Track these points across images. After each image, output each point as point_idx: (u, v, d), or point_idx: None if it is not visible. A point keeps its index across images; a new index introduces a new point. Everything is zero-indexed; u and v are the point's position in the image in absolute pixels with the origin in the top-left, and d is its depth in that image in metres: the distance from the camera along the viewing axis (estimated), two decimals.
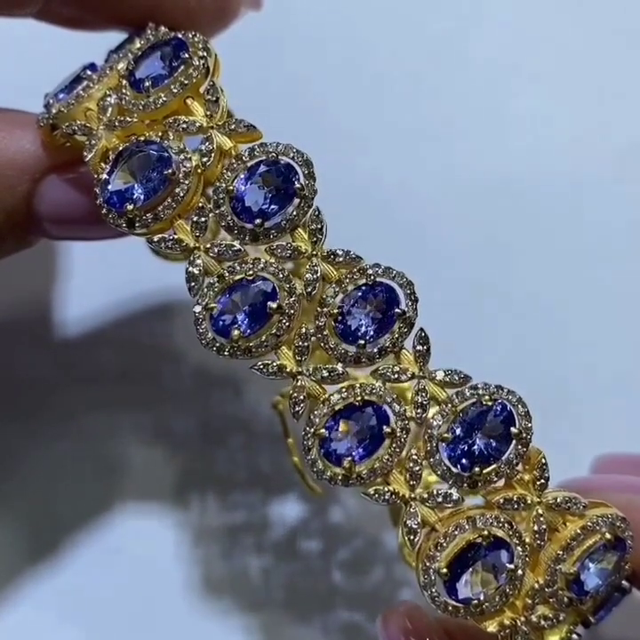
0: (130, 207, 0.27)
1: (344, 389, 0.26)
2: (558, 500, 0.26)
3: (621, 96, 0.39)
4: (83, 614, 0.34)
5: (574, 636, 0.27)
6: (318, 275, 0.27)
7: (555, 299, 0.37)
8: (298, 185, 0.27)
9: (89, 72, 0.29)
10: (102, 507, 0.35)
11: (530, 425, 0.26)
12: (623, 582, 0.27)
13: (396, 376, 0.26)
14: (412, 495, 0.26)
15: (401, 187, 0.38)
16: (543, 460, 0.26)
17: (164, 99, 0.27)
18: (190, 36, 0.28)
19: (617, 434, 0.35)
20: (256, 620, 0.34)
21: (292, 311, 0.26)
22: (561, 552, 0.26)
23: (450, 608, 0.26)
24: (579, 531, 0.26)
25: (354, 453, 0.26)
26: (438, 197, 0.38)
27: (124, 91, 0.28)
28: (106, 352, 0.37)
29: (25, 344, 0.36)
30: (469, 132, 0.38)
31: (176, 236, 0.27)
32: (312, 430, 0.26)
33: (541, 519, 0.26)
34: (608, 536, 0.26)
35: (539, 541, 0.26)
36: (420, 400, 0.26)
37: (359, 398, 0.26)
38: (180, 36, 0.28)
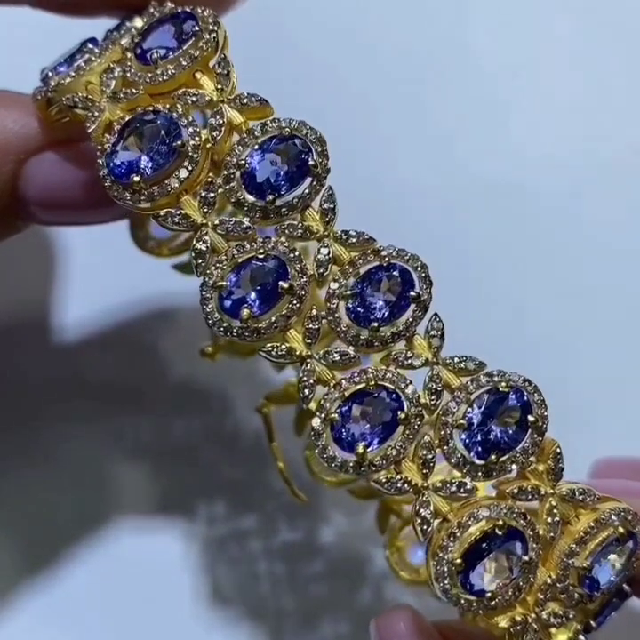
0: (136, 179, 0.26)
1: (356, 374, 0.25)
2: (572, 492, 0.26)
3: (623, 97, 0.39)
4: (84, 626, 0.33)
5: (581, 636, 0.26)
6: (330, 256, 0.26)
7: (554, 298, 0.37)
8: (311, 162, 0.26)
9: (90, 46, 0.28)
10: (103, 516, 0.34)
11: (545, 413, 0.26)
12: (624, 586, 0.27)
13: (409, 361, 0.26)
14: (425, 484, 0.25)
15: (401, 186, 0.37)
16: (558, 450, 0.26)
17: (173, 71, 0.26)
18: (199, 10, 0.27)
19: (616, 437, 0.35)
20: (261, 630, 0.34)
21: (303, 292, 0.25)
22: (574, 545, 0.25)
23: (462, 601, 0.25)
24: (592, 524, 0.25)
25: (367, 439, 0.25)
26: (439, 197, 0.37)
27: (128, 63, 0.27)
28: (98, 360, 0.36)
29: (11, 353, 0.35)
30: (470, 132, 0.38)
31: (183, 212, 0.26)
32: (323, 415, 0.25)
33: (555, 511, 0.25)
34: (621, 530, 0.26)
35: (551, 534, 0.25)
36: (433, 386, 0.25)
37: (372, 383, 0.25)
38: (188, 9, 0.27)
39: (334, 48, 0.38)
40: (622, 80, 0.39)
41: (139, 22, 0.28)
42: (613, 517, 0.26)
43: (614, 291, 0.37)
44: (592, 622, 0.27)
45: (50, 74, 0.27)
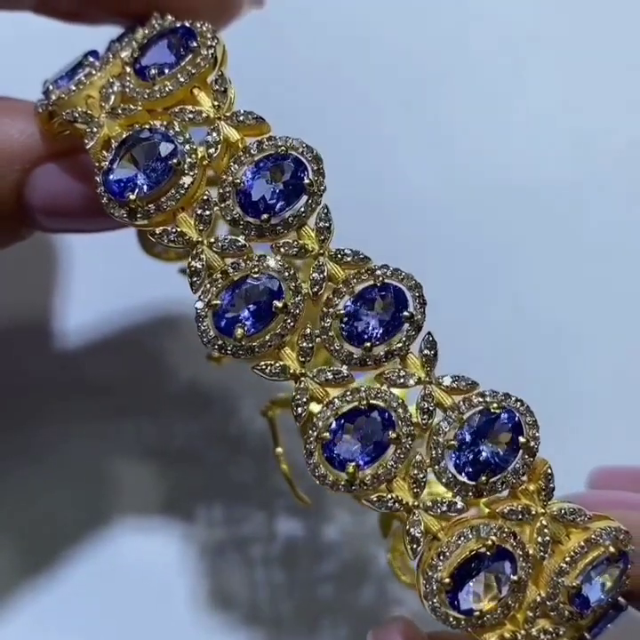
0: (132, 196, 0.26)
1: (348, 393, 0.25)
2: (563, 512, 0.26)
3: (622, 96, 0.39)
4: (83, 627, 0.34)
5: None
6: (325, 274, 0.26)
7: (557, 301, 0.37)
8: (307, 180, 0.26)
9: (91, 59, 0.28)
10: (103, 518, 0.34)
11: (537, 434, 0.26)
12: (620, 599, 0.27)
13: (402, 380, 0.26)
14: (416, 503, 0.25)
15: (402, 189, 0.37)
16: (549, 471, 0.26)
17: (170, 87, 0.27)
18: (198, 25, 0.27)
19: (615, 445, 0.35)
20: (260, 630, 0.34)
21: (298, 311, 0.26)
22: (564, 565, 0.26)
23: (451, 619, 0.25)
24: (582, 543, 0.26)
25: (358, 458, 0.25)
26: (440, 199, 0.37)
27: (128, 78, 0.27)
28: (101, 362, 0.36)
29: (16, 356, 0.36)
30: (471, 133, 0.38)
31: (179, 229, 0.26)
32: (315, 434, 0.25)
33: (545, 530, 0.26)
34: (611, 549, 0.26)
35: (542, 553, 0.26)
36: (425, 406, 0.26)
37: (364, 402, 0.25)
38: (187, 24, 0.27)
39: (333, 52, 0.38)
40: (621, 77, 0.39)
41: (140, 33, 0.28)
42: (604, 537, 0.26)
43: (616, 292, 0.37)
44: (586, 634, 0.27)
45: (51, 87, 0.28)
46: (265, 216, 0.26)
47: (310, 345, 0.26)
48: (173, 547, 0.34)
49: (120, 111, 0.27)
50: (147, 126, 0.26)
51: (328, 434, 0.25)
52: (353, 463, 0.25)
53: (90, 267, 0.36)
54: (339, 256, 0.26)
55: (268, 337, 0.25)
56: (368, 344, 0.25)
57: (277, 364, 0.26)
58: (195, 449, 0.35)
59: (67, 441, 0.35)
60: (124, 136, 0.26)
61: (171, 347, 0.36)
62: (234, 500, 0.35)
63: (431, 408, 0.26)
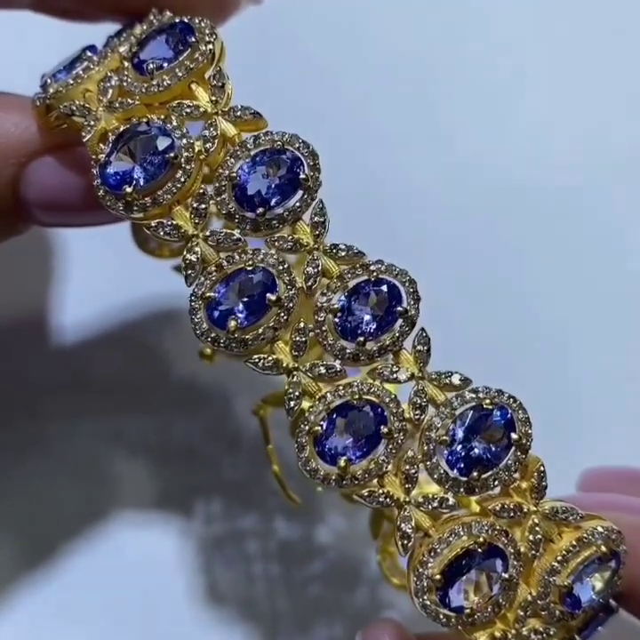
0: (128, 190, 0.26)
1: (341, 387, 0.25)
2: (555, 510, 0.26)
3: (623, 96, 0.39)
4: (81, 620, 0.34)
5: None
6: (319, 269, 0.26)
7: (551, 300, 0.37)
8: (303, 176, 0.26)
9: (89, 53, 0.28)
10: (103, 513, 0.34)
11: (530, 431, 0.26)
12: (611, 601, 0.27)
13: (395, 376, 0.26)
14: (407, 499, 0.25)
15: (402, 187, 0.37)
16: (542, 468, 0.26)
17: (168, 82, 0.27)
18: (197, 20, 0.27)
19: (608, 443, 0.35)
20: (255, 629, 0.34)
21: (291, 304, 0.26)
22: (556, 564, 0.25)
23: (441, 617, 0.25)
24: (574, 542, 0.25)
25: (349, 453, 0.25)
26: (436, 196, 0.38)
27: (125, 73, 0.27)
28: (100, 359, 0.36)
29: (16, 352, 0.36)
30: (471, 132, 0.38)
31: (174, 222, 0.26)
32: (307, 428, 0.25)
33: (537, 529, 0.25)
34: (603, 549, 0.26)
35: (533, 551, 0.25)
36: (418, 401, 0.26)
37: (357, 397, 0.25)
38: (186, 20, 0.27)
39: (331, 48, 0.38)
40: (623, 78, 0.39)
41: (139, 29, 0.28)
42: (596, 536, 0.26)
43: (616, 293, 0.37)
44: (577, 637, 0.27)
45: (49, 81, 0.28)
46: (260, 210, 0.26)
47: (304, 339, 0.26)
48: (171, 542, 0.34)
49: (118, 105, 0.27)
50: (144, 120, 0.26)
51: (320, 427, 0.25)
52: (344, 457, 0.25)
53: (87, 262, 0.36)
54: (333, 251, 0.26)
55: (261, 330, 0.25)
56: (361, 339, 0.25)
57: (270, 358, 0.26)
58: (193, 445, 0.35)
59: (64, 438, 0.35)
60: (121, 129, 0.26)
61: (169, 343, 0.36)
62: (231, 496, 0.35)
63: (424, 404, 0.26)
